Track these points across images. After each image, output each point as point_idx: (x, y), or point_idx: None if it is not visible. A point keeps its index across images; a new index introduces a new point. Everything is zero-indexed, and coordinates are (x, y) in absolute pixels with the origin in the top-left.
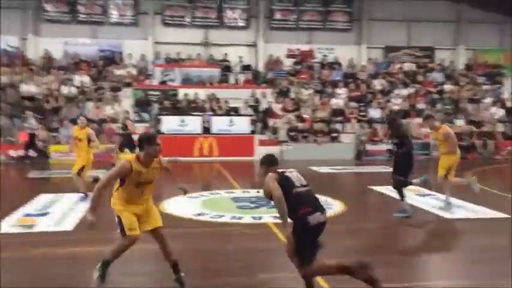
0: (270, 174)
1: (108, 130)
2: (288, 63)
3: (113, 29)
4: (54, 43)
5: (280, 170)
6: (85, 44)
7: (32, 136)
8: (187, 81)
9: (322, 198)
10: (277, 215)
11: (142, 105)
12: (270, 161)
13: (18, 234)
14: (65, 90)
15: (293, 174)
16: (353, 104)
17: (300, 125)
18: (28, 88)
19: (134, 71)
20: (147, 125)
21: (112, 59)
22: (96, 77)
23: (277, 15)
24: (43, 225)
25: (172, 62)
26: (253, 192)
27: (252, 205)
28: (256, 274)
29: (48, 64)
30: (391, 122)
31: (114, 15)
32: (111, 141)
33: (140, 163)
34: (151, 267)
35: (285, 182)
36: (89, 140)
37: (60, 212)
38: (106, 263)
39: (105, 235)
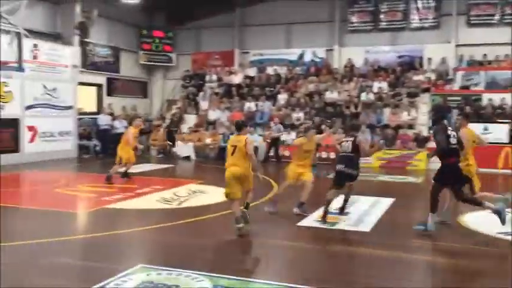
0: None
1: (403, 136)
2: None
3: (413, 34)
4: (356, 52)
5: (344, 139)
6: (384, 51)
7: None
8: (493, 85)
9: None
10: None
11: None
12: (351, 127)
13: (320, 230)
14: (364, 96)
15: (346, 143)
16: None
17: None
18: (331, 95)
19: (433, 76)
20: None
21: (411, 64)
22: (394, 83)
23: None
24: (343, 224)
25: (476, 64)
26: None
27: None
28: None
29: (350, 72)
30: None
31: (414, 20)
32: (406, 147)
33: None
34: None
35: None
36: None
37: (359, 213)
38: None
39: (401, 241)
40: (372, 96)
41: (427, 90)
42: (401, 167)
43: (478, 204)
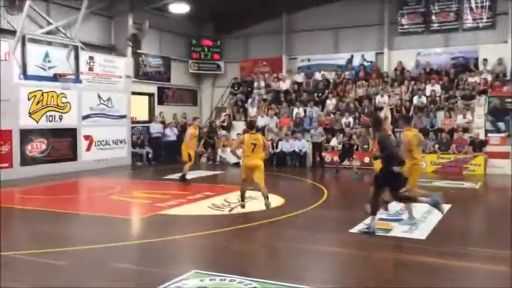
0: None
1: (458, 140)
2: None
3: (466, 34)
4: (407, 55)
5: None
6: (436, 53)
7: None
8: None
9: None
10: None
11: (497, 113)
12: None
13: (375, 237)
14: (416, 100)
15: None
16: None
17: None
18: (381, 99)
19: (490, 77)
20: (502, 135)
21: (465, 66)
22: (448, 85)
23: None
24: (398, 231)
25: None
26: None
27: None
28: None
29: (400, 76)
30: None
31: (468, 20)
32: (461, 151)
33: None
34: None
35: None
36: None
37: (413, 220)
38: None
39: (458, 249)
40: (424, 100)
41: (483, 92)
42: (457, 172)
43: (414, 200)
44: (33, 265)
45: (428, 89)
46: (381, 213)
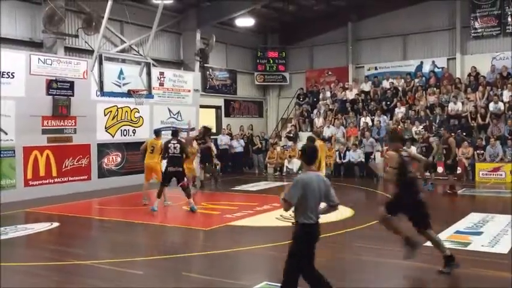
0: None
1: None
2: None
3: None
4: (480, 59)
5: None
6: None
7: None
8: None
9: None
10: None
11: None
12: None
13: (452, 250)
14: (492, 106)
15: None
16: None
17: None
18: (455, 106)
19: None
20: None
21: None
22: None
23: None
24: (477, 244)
25: None
26: None
27: None
28: None
29: (474, 81)
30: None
31: None
32: None
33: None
34: None
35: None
36: None
37: (494, 233)
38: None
39: None
40: (501, 106)
41: None
42: None
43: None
44: (111, 274)
45: (506, 94)
46: (458, 226)
